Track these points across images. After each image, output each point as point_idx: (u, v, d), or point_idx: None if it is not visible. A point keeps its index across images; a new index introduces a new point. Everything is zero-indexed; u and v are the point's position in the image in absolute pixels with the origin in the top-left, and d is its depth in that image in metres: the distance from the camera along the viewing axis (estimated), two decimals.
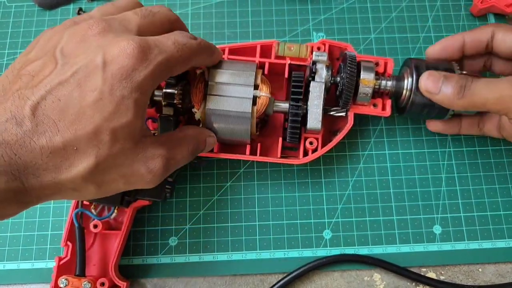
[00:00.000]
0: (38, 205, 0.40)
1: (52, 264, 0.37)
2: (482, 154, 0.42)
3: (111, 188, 0.25)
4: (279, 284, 0.37)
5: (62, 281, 0.34)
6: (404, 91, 0.36)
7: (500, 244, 0.39)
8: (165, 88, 0.35)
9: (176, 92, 0.35)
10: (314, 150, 0.37)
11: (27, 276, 0.38)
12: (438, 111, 0.36)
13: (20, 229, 0.39)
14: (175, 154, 0.28)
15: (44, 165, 0.22)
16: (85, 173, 0.23)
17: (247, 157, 0.37)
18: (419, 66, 0.36)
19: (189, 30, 0.45)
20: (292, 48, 0.38)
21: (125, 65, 0.23)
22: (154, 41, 0.25)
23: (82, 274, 0.35)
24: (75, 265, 0.35)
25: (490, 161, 0.41)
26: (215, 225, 0.40)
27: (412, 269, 0.39)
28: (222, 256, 0.39)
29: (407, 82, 0.36)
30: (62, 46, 0.24)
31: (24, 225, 0.39)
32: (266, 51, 0.39)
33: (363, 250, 0.39)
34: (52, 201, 0.40)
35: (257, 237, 0.39)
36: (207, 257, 0.39)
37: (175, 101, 0.35)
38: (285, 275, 0.38)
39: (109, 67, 0.22)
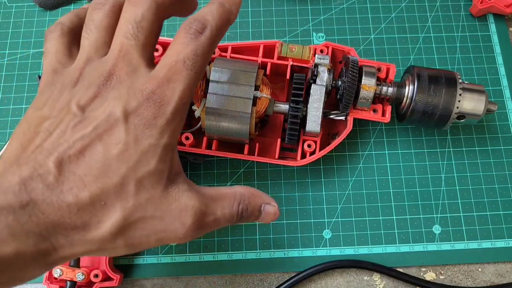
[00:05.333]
0: None
1: None
2: (482, 154, 0.42)
3: (142, 245, 0.23)
4: None
5: (56, 271, 0.34)
6: (405, 99, 0.37)
7: (500, 243, 0.39)
8: None
9: None
10: (312, 153, 0.37)
11: None
12: (438, 120, 0.36)
13: None
14: (214, 210, 0.25)
15: (72, 224, 0.21)
16: (114, 229, 0.21)
17: (244, 156, 0.37)
18: (420, 75, 0.36)
19: None
20: (294, 50, 0.38)
21: (145, 115, 0.22)
22: (167, 78, 0.23)
23: (76, 265, 0.35)
24: None
25: (490, 161, 0.41)
26: None
27: (411, 269, 0.39)
28: (222, 256, 0.39)
29: (408, 90, 0.36)
30: (77, 100, 0.22)
31: None
32: (269, 51, 0.39)
33: (363, 250, 0.39)
34: None
35: (257, 236, 0.39)
36: (207, 257, 0.39)
37: None
38: (284, 281, 0.38)
39: (131, 119, 0.22)
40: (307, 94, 0.35)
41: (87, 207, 0.21)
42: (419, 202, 0.40)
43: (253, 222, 0.27)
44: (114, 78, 0.23)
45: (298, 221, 0.40)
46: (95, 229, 0.21)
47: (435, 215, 0.40)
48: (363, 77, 0.36)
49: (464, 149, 0.42)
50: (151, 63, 0.24)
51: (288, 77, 0.38)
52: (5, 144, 0.40)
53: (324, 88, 0.35)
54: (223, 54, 0.38)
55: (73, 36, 0.26)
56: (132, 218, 0.22)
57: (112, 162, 0.21)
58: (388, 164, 0.41)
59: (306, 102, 0.35)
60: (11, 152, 0.22)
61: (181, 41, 0.23)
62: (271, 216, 0.27)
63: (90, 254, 0.22)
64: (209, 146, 0.38)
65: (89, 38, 0.24)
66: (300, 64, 0.38)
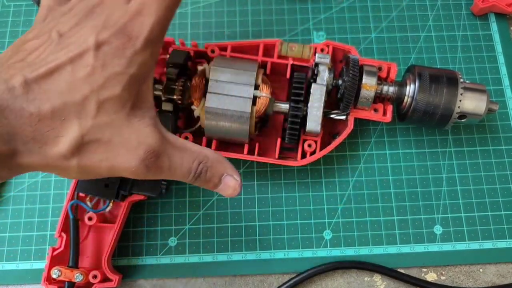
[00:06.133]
0: (37, 206, 0.40)
1: None
2: (483, 154, 0.41)
3: (94, 170, 0.24)
4: None
5: (54, 272, 0.34)
6: (406, 98, 0.36)
7: (501, 244, 0.39)
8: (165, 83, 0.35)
9: (176, 87, 0.35)
10: (312, 153, 0.37)
11: (25, 276, 0.38)
12: (439, 119, 0.36)
13: (19, 230, 0.39)
14: (172, 157, 0.25)
15: (32, 133, 0.22)
16: (70, 145, 0.23)
17: (244, 156, 0.37)
18: (422, 74, 0.36)
19: (189, 30, 0.46)
20: (294, 48, 0.38)
21: (115, 45, 0.23)
22: (137, 11, 0.24)
23: (75, 265, 0.35)
24: (69, 256, 0.35)
25: (491, 161, 0.41)
26: (215, 225, 0.39)
27: (412, 269, 0.38)
28: (221, 257, 0.39)
29: (409, 89, 0.36)
30: (58, 28, 0.24)
31: (23, 225, 0.39)
32: (269, 50, 0.39)
33: (364, 251, 0.39)
34: (51, 196, 0.40)
35: (257, 237, 0.39)
36: (207, 258, 0.39)
37: (174, 97, 0.35)
38: (284, 282, 0.38)
39: (102, 47, 0.23)
40: (308, 93, 0.35)
41: (47, 120, 0.22)
42: (420, 203, 0.40)
43: (212, 190, 0.27)
44: (97, 11, 0.25)
45: (299, 221, 0.40)
46: (53, 143, 0.22)
47: (436, 216, 0.40)
48: (364, 76, 0.35)
49: (465, 149, 0.42)
50: None
51: (288, 76, 0.38)
52: None
53: (325, 88, 0.35)
54: (223, 53, 0.38)
55: None
56: (89, 138, 0.23)
57: (77, 82, 0.23)
58: (389, 164, 0.41)
59: (306, 101, 0.35)
60: None
61: None
62: (230, 189, 0.27)
63: (45, 168, 0.24)
64: (208, 146, 0.37)
65: None
66: (300, 63, 0.38)
